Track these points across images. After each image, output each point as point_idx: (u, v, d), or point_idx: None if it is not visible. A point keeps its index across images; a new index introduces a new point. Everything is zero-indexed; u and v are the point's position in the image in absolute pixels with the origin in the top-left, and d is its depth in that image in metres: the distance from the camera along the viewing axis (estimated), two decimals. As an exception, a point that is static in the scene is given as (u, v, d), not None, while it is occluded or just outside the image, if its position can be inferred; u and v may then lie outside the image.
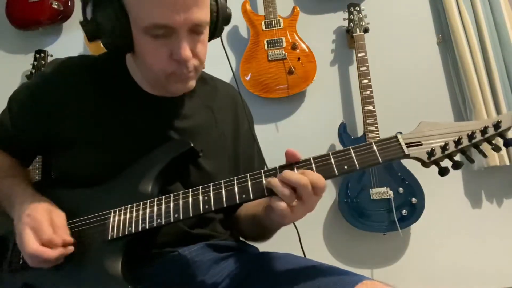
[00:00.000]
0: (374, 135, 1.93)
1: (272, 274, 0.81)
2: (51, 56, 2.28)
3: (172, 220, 0.75)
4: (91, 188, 0.85)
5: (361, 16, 2.07)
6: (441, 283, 2.02)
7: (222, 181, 0.76)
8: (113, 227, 0.77)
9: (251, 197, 0.73)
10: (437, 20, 2.22)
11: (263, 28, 2.13)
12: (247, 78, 2.12)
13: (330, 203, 2.13)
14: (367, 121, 1.95)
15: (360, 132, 2.12)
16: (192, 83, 0.87)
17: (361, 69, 1.99)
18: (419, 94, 2.17)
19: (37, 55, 2.24)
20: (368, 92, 1.96)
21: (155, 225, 0.76)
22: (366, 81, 1.97)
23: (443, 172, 0.70)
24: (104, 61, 0.94)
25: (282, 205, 0.69)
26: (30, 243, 0.73)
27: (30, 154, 1.00)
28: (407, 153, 0.70)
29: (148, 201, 0.79)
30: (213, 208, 0.74)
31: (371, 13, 2.12)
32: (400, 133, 0.73)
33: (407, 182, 1.92)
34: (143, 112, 0.90)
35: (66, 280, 0.76)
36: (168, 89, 0.86)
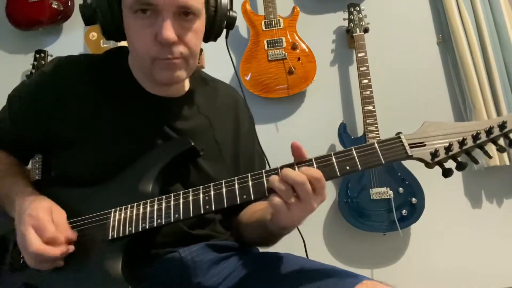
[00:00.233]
0: (374, 135, 1.93)
1: (272, 274, 0.80)
2: (51, 56, 2.27)
3: (172, 220, 0.75)
4: (91, 187, 0.84)
5: (361, 16, 2.07)
6: (441, 283, 2.02)
7: (223, 181, 0.76)
8: (113, 227, 0.77)
9: (252, 198, 0.73)
10: (437, 20, 2.23)
11: (263, 28, 2.13)
12: (247, 78, 2.12)
13: (330, 203, 2.12)
14: (367, 121, 1.95)
15: (360, 132, 2.12)
16: (180, 73, 0.84)
17: (361, 69, 1.99)
18: (419, 94, 2.17)
19: (37, 55, 2.24)
20: (368, 92, 1.96)
21: (155, 225, 0.75)
22: (366, 81, 1.97)
23: (447, 173, 0.69)
24: (105, 60, 0.94)
25: (277, 199, 0.68)
26: (33, 242, 0.72)
27: (29, 152, 0.99)
28: (410, 154, 0.69)
29: (149, 200, 0.78)
30: (213, 208, 0.74)
31: (371, 13, 2.12)
32: (401, 133, 0.72)
33: (407, 182, 1.92)
34: (143, 112, 0.90)
35: (66, 280, 0.76)
36: (155, 77, 0.84)
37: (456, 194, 2.11)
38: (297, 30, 2.15)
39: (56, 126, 0.87)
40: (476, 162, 0.71)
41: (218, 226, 0.95)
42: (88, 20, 0.85)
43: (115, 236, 0.76)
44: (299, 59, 2.09)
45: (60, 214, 0.79)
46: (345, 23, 2.14)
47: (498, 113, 1.99)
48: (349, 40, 2.22)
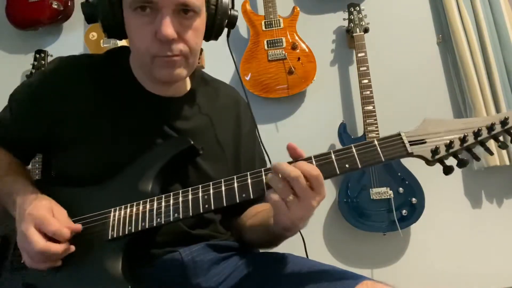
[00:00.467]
0: (374, 135, 1.93)
1: (273, 274, 0.80)
2: (51, 56, 2.27)
3: (172, 220, 0.75)
4: (91, 187, 0.84)
5: (361, 16, 2.07)
6: (441, 283, 2.02)
7: (222, 180, 0.75)
8: (113, 226, 0.77)
9: (251, 196, 0.72)
10: (437, 20, 2.23)
11: (263, 28, 2.13)
12: (247, 78, 2.12)
13: (330, 203, 2.12)
14: (367, 121, 1.95)
15: (360, 132, 2.12)
16: (180, 71, 0.84)
17: (361, 69, 1.99)
18: (419, 94, 2.17)
19: (37, 55, 2.24)
20: (368, 92, 1.96)
21: (155, 224, 0.75)
22: (366, 81, 1.97)
23: (448, 170, 0.68)
24: (106, 60, 0.94)
25: (275, 197, 0.68)
26: (36, 240, 0.71)
27: (30, 152, 0.99)
28: (410, 151, 0.68)
29: (148, 200, 0.78)
30: (213, 207, 0.74)
31: (371, 13, 2.12)
32: (401, 131, 0.72)
33: (407, 182, 1.92)
34: (144, 111, 0.90)
35: (66, 279, 0.76)
36: (155, 76, 0.83)
37: (456, 194, 2.11)
38: (297, 30, 2.15)
39: (57, 125, 0.87)
40: (477, 159, 0.70)
41: (219, 226, 0.95)
42: (90, 18, 0.85)
43: (114, 236, 0.76)
44: (299, 59, 2.09)
45: (61, 212, 0.78)
46: (345, 23, 2.14)
47: (498, 112, 1.99)
48: (349, 40, 2.22)
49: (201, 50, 1.11)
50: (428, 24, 2.24)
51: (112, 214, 0.79)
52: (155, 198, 0.78)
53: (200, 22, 0.83)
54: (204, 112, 0.97)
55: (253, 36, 2.15)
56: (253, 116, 1.07)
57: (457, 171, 1.78)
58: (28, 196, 0.80)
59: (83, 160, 0.87)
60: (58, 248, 0.73)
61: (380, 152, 0.69)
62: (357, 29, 2.04)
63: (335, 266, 0.79)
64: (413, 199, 1.89)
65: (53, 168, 0.95)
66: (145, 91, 0.91)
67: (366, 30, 2.05)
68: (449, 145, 0.68)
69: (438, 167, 0.70)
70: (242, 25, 2.26)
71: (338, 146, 2.09)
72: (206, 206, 0.74)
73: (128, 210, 0.78)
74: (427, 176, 1.82)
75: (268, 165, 1.03)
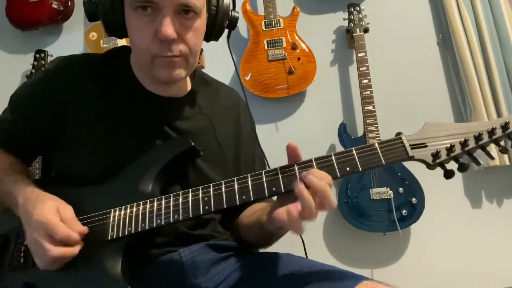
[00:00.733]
0: (374, 135, 1.93)
1: (272, 274, 0.80)
2: (51, 56, 2.27)
3: (171, 221, 0.75)
4: (91, 187, 0.84)
5: (361, 16, 2.07)
6: (441, 283, 2.02)
7: (223, 181, 0.75)
8: (112, 227, 0.77)
9: (252, 198, 0.72)
10: (437, 20, 2.23)
11: (263, 28, 2.13)
12: (247, 78, 2.12)
13: (330, 203, 2.12)
14: (367, 121, 1.95)
15: (360, 132, 2.12)
16: (180, 72, 0.84)
17: (361, 69, 1.99)
18: (419, 94, 2.17)
19: (37, 55, 2.23)
20: (368, 92, 1.96)
21: (154, 225, 0.75)
22: (366, 81, 1.97)
23: (448, 174, 0.69)
24: (107, 59, 0.94)
25: (294, 209, 0.66)
26: (49, 248, 0.71)
27: (31, 153, 0.99)
28: (411, 155, 0.69)
29: (148, 201, 0.78)
30: (213, 209, 0.74)
31: (371, 13, 2.12)
32: (401, 133, 0.72)
33: (407, 182, 1.92)
34: (144, 111, 0.90)
35: (66, 279, 0.76)
36: (155, 75, 0.84)
37: (456, 194, 2.11)
38: (297, 30, 2.15)
39: (58, 125, 0.87)
40: (478, 163, 0.70)
41: (218, 226, 0.95)
42: (92, 16, 0.86)
43: (114, 236, 0.76)
44: (299, 59, 2.09)
45: (67, 210, 0.77)
46: (345, 23, 2.14)
47: (498, 113, 1.99)
48: (349, 40, 2.21)
49: (201, 50, 1.11)
50: (428, 24, 2.24)
51: (112, 214, 0.79)
52: (155, 199, 0.78)
53: (201, 23, 0.83)
54: (205, 113, 0.97)
55: (253, 36, 2.15)
56: (252, 117, 1.07)
57: (457, 172, 1.79)
58: (29, 196, 0.80)
59: (83, 160, 0.87)
60: (72, 252, 0.73)
61: (381, 156, 0.69)
62: (357, 29, 2.04)
63: (335, 266, 0.79)
64: (413, 199, 1.89)
65: (53, 168, 0.95)
66: (146, 91, 0.91)
67: (366, 30, 2.05)
68: (450, 149, 0.68)
69: (438, 169, 0.71)
70: (242, 25, 2.26)
71: (338, 146, 2.09)
72: (206, 207, 0.74)
73: (128, 210, 0.78)
74: (427, 176, 1.81)
75: (268, 166, 1.03)
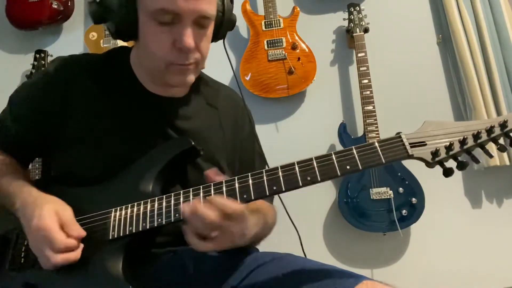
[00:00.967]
0: (374, 135, 1.93)
1: (272, 274, 0.80)
2: (51, 56, 2.27)
3: (172, 220, 0.75)
4: (91, 187, 0.84)
5: (361, 16, 2.07)
6: (441, 283, 2.02)
7: (223, 181, 0.76)
8: (113, 226, 0.77)
9: (253, 197, 0.73)
10: (437, 20, 2.23)
11: (263, 28, 2.13)
12: (247, 78, 2.12)
13: (330, 203, 2.12)
14: (367, 121, 1.95)
15: (360, 132, 2.12)
16: (191, 78, 0.86)
17: (361, 69, 1.99)
18: (419, 94, 2.17)
19: (37, 55, 2.24)
20: (368, 92, 1.96)
21: (155, 224, 0.75)
22: (366, 81, 1.97)
23: (448, 173, 0.69)
24: (107, 59, 0.94)
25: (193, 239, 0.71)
26: (52, 255, 0.72)
27: (29, 154, 0.99)
28: (411, 153, 0.69)
29: (149, 200, 0.78)
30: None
31: (371, 13, 2.12)
32: (401, 132, 0.72)
33: (407, 182, 1.92)
34: (145, 111, 0.90)
35: (67, 279, 0.76)
36: (167, 81, 0.85)
37: (456, 194, 2.11)
38: (297, 30, 2.15)
39: (58, 125, 0.88)
40: (477, 161, 0.71)
41: (218, 226, 0.95)
42: (98, 19, 0.83)
43: (115, 236, 0.76)
44: (299, 59, 2.09)
45: (67, 212, 0.77)
46: (345, 23, 2.14)
47: (498, 113, 1.99)
48: (349, 40, 2.21)
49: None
50: (428, 24, 2.24)
51: (112, 214, 0.79)
52: (156, 198, 0.78)
53: (211, 30, 0.85)
54: (204, 113, 0.98)
55: (253, 36, 2.15)
56: (252, 117, 1.07)
57: (457, 171, 1.79)
58: (27, 198, 0.80)
59: (83, 160, 0.87)
60: (75, 256, 0.74)
61: (380, 154, 0.70)
62: (357, 29, 2.04)
63: (335, 266, 0.79)
64: (413, 199, 1.89)
65: (53, 168, 0.94)
66: (146, 91, 0.92)
67: (366, 30, 2.05)
68: (449, 147, 0.69)
69: (438, 167, 0.71)
70: (242, 25, 2.26)
71: (338, 146, 2.09)
72: None
73: (129, 210, 0.78)
74: (427, 176, 1.82)
75: (267, 166, 1.03)
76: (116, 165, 0.85)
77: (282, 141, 2.18)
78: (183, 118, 0.93)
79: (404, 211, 1.88)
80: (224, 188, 0.75)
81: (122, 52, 0.96)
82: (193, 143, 0.86)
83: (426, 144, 0.70)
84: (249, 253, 0.94)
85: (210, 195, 0.75)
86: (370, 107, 1.95)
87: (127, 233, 0.76)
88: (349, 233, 2.06)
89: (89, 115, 0.88)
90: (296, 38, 2.13)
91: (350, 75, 2.23)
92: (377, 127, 1.93)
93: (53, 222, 0.74)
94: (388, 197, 1.90)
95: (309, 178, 0.71)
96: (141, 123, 0.89)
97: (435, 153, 0.69)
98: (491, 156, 0.70)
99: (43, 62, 2.22)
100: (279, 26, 2.13)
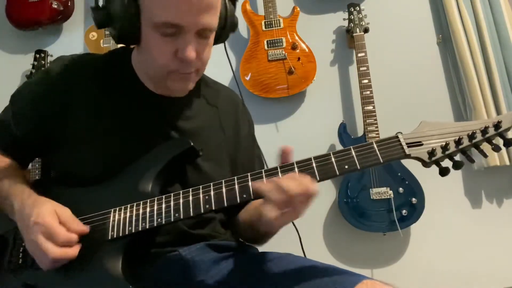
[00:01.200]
0: (374, 135, 1.93)
1: (272, 274, 0.80)
2: (51, 56, 2.27)
3: (172, 220, 0.75)
4: (91, 187, 0.85)
5: (361, 16, 2.07)
6: (441, 283, 2.02)
7: (223, 181, 0.76)
8: (113, 226, 0.77)
9: (252, 197, 0.73)
10: (437, 20, 2.23)
11: (263, 28, 2.14)
12: (247, 78, 2.12)
13: (330, 203, 2.13)
14: (367, 121, 1.95)
15: (360, 132, 2.12)
16: (192, 84, 0.88)
17: (361, 69, 1.99)
18: (419, 94, 2.17)
19: (37, 55, 2.24)
20: (368, 92, 1.96)
21: (155, 224, 0.76)
22: (366, 81, 1.97)
23: (444, 172, 0.70)
24: (108, 59, 0.94)
25: (272, 211, 0.69)
26: (50, 249, 0.72)
27: (29, 155, 0.99)
28: (408, 153, 0.70)
29: (148, 200, 0.79)
30: (213, 207, 0.74)
31: (371, 13, 2.12)
32: (400, 133, 0.73)
33: (407, 182, 1.92)
34: (146, 111, 0.90)
35: (67, 280, 0.76)
36: (168, 87, 0.86)
37: (456, 194, 2.11)
38: (297, 30, 2.15)
39: (59, 125, 0.88)
40: (472, 161, 0.72)
41: (218, 226, 0.95)
42: (102, 24, 0.84)
43: (114, 236, 0.77)
44: (299, 59, 2.09)
45: (65, 212, 0.78)
46: (345, 23, 2.14)
47: (498, 113, 1.99)
48: (349, 40, 2.21)
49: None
50: (428, 24, 2.24)
51: (112, 214, 0.79)
52: (155, 198, 0.78)
53: (212, 38, 0.86)
54: (205, 113, 0.98)
55: (253, 36, 2.15)
56: (251, 118, 1.07)
57: (457, 171, 1.79)
58: (26, 200, 0.80)
59: (83, 160, 0.87)
60: (73, 252, 0.74)
61: (378, 154, 0.71)
62: (357, 29, 2.04)
63: (335, 265, 0.79)
64: (413, 199, 1.89)
65: (52, 168, 0.95)
66: (147, 91, 0.92)
67: (366, 30, 2.05)
68: (445, 147, 0.70)
69: (434, 167, 0.72)
70: (242, 25, 2.26)
71: (338, 146, 2.09)
72: (207, 206, 0.75)
73: (128, 210, 0.78)
74: (427, 176, 1.82)
75: (266, 165, 1.03)
76: (116, 165, 0.85)
77: (282, 141, 2.19)
78: (184, 118, 0.94)
79: (404, 211, 1.88)
80: (223, 188, 0.75)
81: (124, 52, 0.96)
82: (192, 143, 0.86)
83: (422, 144, 0.71)
84: (249, 253, 0.94)
85: (210, 195, 0.75)
86: (370, 107, 1.95)
87: (127, 233, 0.76)
88: (349, 233, 2.06)
89: (90, 115, 0.88)
90: (296, 38, 2.13)
91: (350, 75, 2.23)
92: (377, 127, 1.93)
93: (53, 218, 0.74)
94: (388, 197, 1.90)
95: (308, 178, 0.71)
96: (141, 123, 0.90)
97: (431, 153, 0.70)
98: (485, 155, 0.71)
99: (43, 62, 2.22)
100: (279, 26, 2.13)
